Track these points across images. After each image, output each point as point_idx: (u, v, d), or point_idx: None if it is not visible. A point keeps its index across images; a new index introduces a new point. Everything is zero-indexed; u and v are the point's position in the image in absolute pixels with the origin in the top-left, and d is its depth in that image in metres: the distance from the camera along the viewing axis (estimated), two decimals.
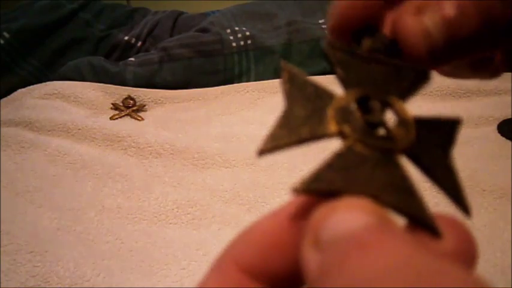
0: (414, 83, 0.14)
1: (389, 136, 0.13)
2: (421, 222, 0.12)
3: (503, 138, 0.64)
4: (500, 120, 0.67)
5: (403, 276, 0.09)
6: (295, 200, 0.13)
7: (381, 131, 0.13)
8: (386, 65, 0.15)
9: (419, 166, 0.13)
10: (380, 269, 0.09)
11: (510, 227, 0.48)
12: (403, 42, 0.16)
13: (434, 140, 0.13)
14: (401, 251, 0.09)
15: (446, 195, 0.13)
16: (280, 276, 0.13)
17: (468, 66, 0.18)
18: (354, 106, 0.13)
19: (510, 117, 0.67)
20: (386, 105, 0.14)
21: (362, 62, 0.15)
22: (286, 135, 0.13)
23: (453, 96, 0.74)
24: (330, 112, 0.13)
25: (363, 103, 0.13)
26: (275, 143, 0.13)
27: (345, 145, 0.13)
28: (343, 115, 0.13)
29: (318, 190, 0.12)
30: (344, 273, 0.09)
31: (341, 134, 0.13)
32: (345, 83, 0.14)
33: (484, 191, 0.54)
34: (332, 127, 0.13)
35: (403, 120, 0.13)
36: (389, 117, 0.14)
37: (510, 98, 0.71)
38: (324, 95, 0.14)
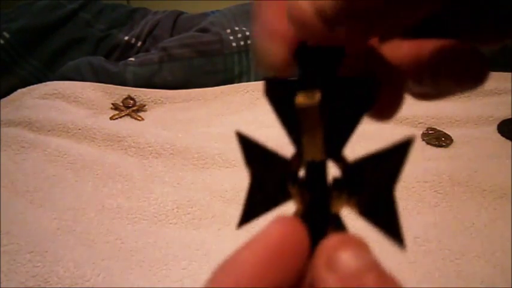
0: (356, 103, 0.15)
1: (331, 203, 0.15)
2: None
3: (503, 138, 0.64)
4: (500, 120, 0.67)
5: None
6: (276, 229, 0.15)
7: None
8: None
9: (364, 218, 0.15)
10: None
11: (510, 227, 0.48)
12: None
13: (382, 174, 0.14)
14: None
15: (383, 234, 0.15)
16: None
17: (447, 75, 0.17)
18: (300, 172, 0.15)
19: (510, 117, 0.67)
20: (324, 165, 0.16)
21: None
22: (256, 207, 0.16)
23: (453, 96, 0.74)
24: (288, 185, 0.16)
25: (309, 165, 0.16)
26: (248, 216, 0.17)
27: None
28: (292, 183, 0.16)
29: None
30: None
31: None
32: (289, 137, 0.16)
33: (484, 191, 0.54)
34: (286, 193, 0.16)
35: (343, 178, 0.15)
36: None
37: (510, 98, 0.71)
38: (276, 163, 0.16)
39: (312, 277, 0.14)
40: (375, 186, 0.14)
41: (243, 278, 0.14)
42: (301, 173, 0.16)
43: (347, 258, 0.13)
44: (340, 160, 0.15)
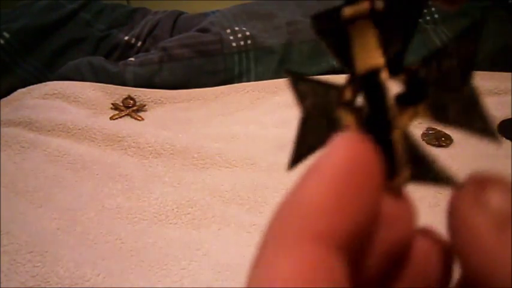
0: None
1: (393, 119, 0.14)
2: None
3: (503, 138, 0.64)
4: (500, 120, 0.67)
5: None
6: (342, 154, 0.12)
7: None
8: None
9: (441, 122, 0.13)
10: None
11: None
12: None
13: (454, 66, 0.13)
14: None
15: (471, 132, 0.13)
16: (357, 235, 0.12)
17: None
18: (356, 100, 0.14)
19: (510, 117, 0.67)
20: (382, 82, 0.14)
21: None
22: (307, 147, 0.15)
23: None
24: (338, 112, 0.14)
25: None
26: (299, 156, 0.15)
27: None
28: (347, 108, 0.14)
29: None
30: None
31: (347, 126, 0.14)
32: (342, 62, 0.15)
33: None
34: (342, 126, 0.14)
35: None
36: None
37: (510, 98, 0.71)
38: (330, 94, 0.15)
39: (453, 212, 0.13)
40: (448, 82, 0.13)
41: (310, 213, 0.11)
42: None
43: (498, 199, 0.12)
44: (402, 71, 0.14)
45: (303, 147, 0.15)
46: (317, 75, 0.79)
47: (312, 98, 0.15)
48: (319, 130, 0.15)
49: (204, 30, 0.89)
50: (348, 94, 0.15)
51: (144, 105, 0.76)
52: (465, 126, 0.13)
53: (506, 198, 0.12)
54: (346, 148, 0.12)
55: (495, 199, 0.12)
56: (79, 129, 0.67)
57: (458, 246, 0.13)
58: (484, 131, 0.13)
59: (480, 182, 0.13)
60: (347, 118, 0.14)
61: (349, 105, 0.14)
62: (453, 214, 0.13)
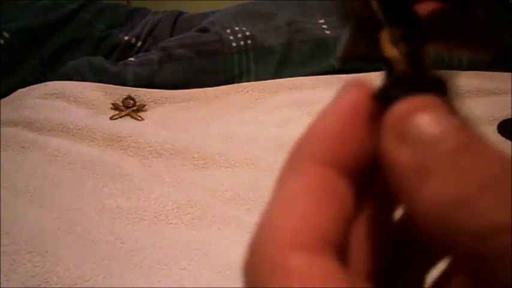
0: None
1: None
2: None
3: (503, 138, 0.64)
4: (500, 120, 0.67)
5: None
6: (348, 98, 0.14)
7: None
8: None
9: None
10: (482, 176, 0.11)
11: None
12: None
13: None
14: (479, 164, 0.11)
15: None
16: (359, 165, 0.13)
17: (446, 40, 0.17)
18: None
19: (510, 117, 0.67)
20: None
21: None
22: (354, 51, 0.16)
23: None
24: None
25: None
26: (346, 56, 0.16)
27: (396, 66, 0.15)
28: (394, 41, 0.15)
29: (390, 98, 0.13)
30: (450, 174, 0.11)
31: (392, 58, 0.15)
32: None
33: None
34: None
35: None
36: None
37: (510, 98, 0.71)
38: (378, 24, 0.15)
39: (380, 151, 0.13)
40: None
41: (320, 142, 0.13)
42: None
43: (420, 124, 0.12)
44: None
45: (350, 52, 0.16)
46: (317, 75, 0.79)
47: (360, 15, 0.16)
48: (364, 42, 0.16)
49: (204, 30, 0.89)
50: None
51: (144, 105, 0.76)
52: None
53: (431, 122, 0.12)
54: (350, 95, 0.14)
55: (417, 124, 0.12)
56: (79, 129, 0.67)
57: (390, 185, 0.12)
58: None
59: (407, 107, 0.12)
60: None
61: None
62: (379, 150, 0.13)
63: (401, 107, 0.12)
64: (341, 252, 0.12)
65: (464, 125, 0.12)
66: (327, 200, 0.12)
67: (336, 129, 0.13)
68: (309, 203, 0.12)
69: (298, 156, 0.13)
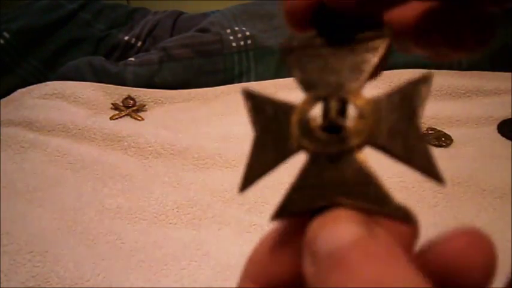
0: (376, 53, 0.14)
1: (347, 136, 0.13)
2: (386, 215, 0.13)
3: (503, 138, 0.64)
4: (500, 120, 0.67)
5: None
6: (280, 224, 0.15)
7: (346, 129, 0.13)
8: (341, 50, 0.14)
9: (387, 154, 0.13)
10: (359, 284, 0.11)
11: (510, 227, 0.48)
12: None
13: (403, 110, 0.13)
14: (375, 270, 0.11)
15: (418, 172, 0.13)
16: (286, 283, 0.14)
17: (437, 39, 0.16)
18: (311, 115, 0.14)
19: (510, 117, 0.67)
20: (344, 101, 0.14)
21: (316, 57, 0.15)
22: (259, 168, 0.14)
23: (453, 96, 0.74)
24: (291, 128, 0.14)
25: (324, 104, 0.14)
26: (250, 178, 0.15)
27: (307, 159, 0.13)
28: (302, 128, 0.13)
29: (290, 215, 0.13)
30: (331, 284, 0.11)
31: (303, 148, 0.13)
32: (304, 84, 0.14)
33: (484, 191, 0.54)
34: (294, 144, 0.14)
35: (361, 112, 0.13)
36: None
37: (510, 98, 0.71)
38: (284, 112, 0.14)
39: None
40: (394, 124, 0.13)
41: (250, 271, 0.15)
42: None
43: (326, 236, 0.12)
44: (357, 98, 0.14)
45: (255, 168, 0.15)
46: None
47: (266, 114, 0.15)
48: (272, 150, 0.14)
49: (204, 30, 0.89)
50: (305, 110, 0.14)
51: (144, 105, 0.76)
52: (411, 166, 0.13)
53: (337, 233, 0.12)
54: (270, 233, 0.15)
55: (324, 236, 0.12)
56: (79, 129, 0.67)
57: None
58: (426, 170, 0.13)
59: (319, 221, 0.12)
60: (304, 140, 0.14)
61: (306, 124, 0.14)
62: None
63: (311, 227, 0.12)
64: None
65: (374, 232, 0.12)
66: None
67: (264, 251, 0.15)
68: None
69: (244, 274, 0.15)
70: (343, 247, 0.11)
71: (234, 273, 0.46)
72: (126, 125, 0.70)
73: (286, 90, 0.77)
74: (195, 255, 0.48)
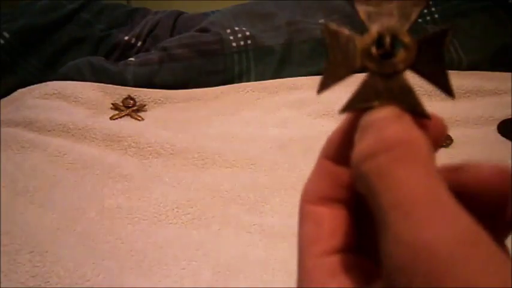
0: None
1: (396, 61, 0.18)
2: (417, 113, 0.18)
3: (503, 138, 0.64)
4: (500, 120, 0.67)
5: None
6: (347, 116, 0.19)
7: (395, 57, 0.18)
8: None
9: (420, 76, 0.18)
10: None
11: None
12: None
13: (433, 50, 0.18)
14: (399, 129, 0.16)
15: (438, 89, 0.18)
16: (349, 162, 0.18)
17: None
18: (372, 44, 0.19)
19: (510, 117, 0.67)
20: (395, 37, 0.19)
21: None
22: (333, 78, 0.19)
23: None
24: (357, 52, 0.19)
25: (380, 39, 0.19)
26: (326, 85, 0.19)
27: (367, 75, 0.18)
28: (366, 53, 0.19)
29: (353, 109, 0.19)
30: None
31: (365, 67, 0.19)
32: (368, 20, 0.19)
33: None
34: (359, 64, 0.19)
35: (406, 46, 0.18)
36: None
37: (510, 98, 0.71)
38: (352, 40, 0.19)
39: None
40: (427, 57, 0.18)
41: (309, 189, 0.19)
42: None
43: (370, 114, 0.17)
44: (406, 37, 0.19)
45: (330, 78, 0.19)
46: (317, 75, 0.78)
47: (340, 41, 0.19)
48: (343, 66, 0.19)
49: (204, 30, 0.89)
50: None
51: (144, 105, 0.76)
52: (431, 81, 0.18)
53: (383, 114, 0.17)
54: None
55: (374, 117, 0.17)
56: (79, 129, 0.67)
57: None
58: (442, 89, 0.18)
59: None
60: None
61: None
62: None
63: (367, 113, 0.17)
64: None
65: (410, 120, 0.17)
66: None
67: (338, 134, 0.19)
68: None
69: (320, 154, 0.19)
70: (378, 117, 0.17)
71: (234, 273, 0.46)
72: (126, 125, 0.70)
73: (286, 90, 0.77)
74: (195, 255, 0.48)
